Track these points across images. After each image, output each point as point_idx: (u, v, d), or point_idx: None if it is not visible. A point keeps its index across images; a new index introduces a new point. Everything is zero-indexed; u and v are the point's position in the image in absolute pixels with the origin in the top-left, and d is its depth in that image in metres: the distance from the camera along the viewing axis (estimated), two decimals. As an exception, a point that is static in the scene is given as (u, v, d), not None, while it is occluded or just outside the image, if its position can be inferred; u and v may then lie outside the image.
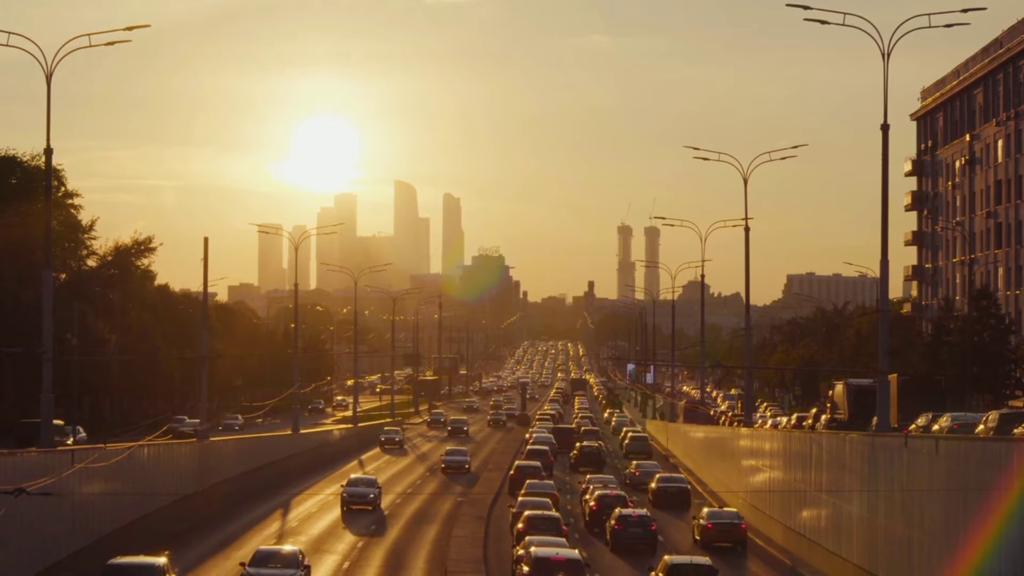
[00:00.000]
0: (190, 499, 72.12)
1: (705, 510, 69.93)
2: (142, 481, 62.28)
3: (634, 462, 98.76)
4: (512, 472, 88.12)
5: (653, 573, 50.74)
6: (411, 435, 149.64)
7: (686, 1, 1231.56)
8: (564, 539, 56.52)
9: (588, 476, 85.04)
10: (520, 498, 70.07)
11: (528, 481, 77.65)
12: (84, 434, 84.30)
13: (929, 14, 56.31)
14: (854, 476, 52.04)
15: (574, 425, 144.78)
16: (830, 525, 55.72)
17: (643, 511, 67.22)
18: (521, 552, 52.52)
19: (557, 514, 63.47)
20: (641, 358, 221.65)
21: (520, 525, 59.97)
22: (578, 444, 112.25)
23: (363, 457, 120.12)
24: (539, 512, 61.91)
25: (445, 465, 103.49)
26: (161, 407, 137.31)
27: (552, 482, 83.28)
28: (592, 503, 71.72)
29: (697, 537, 66.99)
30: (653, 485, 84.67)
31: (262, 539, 66.00)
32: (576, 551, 52.54)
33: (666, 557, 51.47)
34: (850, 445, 53.47)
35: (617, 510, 65.54)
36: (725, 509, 70.96)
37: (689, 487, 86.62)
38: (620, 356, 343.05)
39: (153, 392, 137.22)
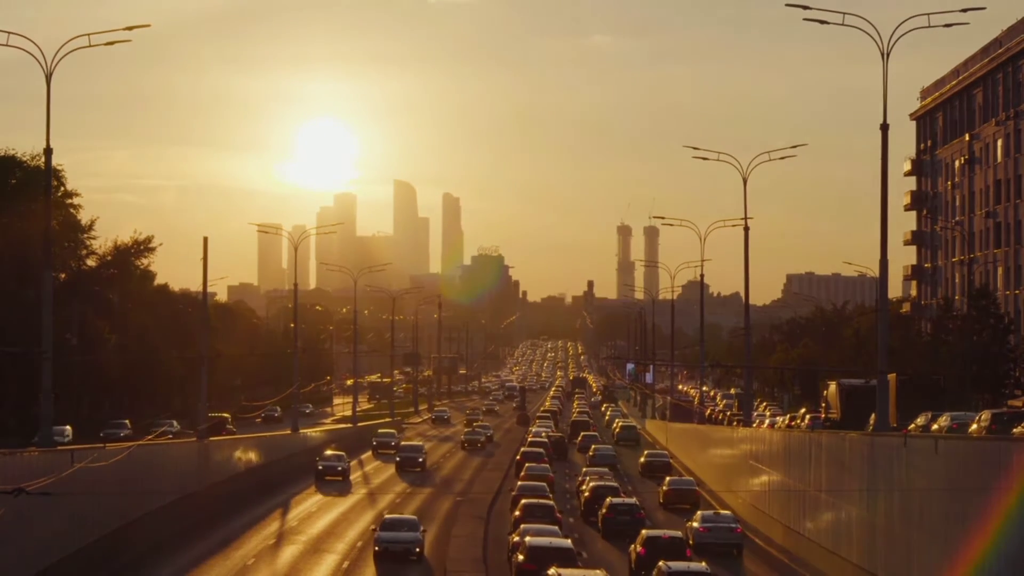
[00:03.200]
0: (190, 499, 72.11)
1: (668, 478, 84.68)
2: (142, 481, 62.26)
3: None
4: (518, 457, 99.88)
5: (633, 545, 56.40)
6: (410, 434, 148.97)
7: (686, 1, 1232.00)
8: (557, 527, 60.19)
9: (584, 469, 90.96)
10: (520, 482, 78.88)
11: (527, 464, 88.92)
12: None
13: (929, 14, 56.48)
14: (853, 476, 52.03)
15: (574, 418, 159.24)
16: (829, 525, 55.72)
17: (632, 500, 72.08)
18: (517, 539, 55.22)
19: (552, 502, 68.11)
20: (640, 358, 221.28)
21: (517, 512, 64.12)
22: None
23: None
24: (535, 500, 67.06)
25: (379, 548, 58.86)
26: (160, 407, 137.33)
27: (548, 465, 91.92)
28: (587, 493, 75.66)
29: (661, 501, 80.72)
30: (643, 460, 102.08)
31: (262, 539, 66.12)
32: (568, 540, 54.87)
33: (643, 531, 57.48)
34: (850, 444, 53.49)
35: (608, 499, 69.99)
36: (683, 478, 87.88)
37: (672, 462, 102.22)
38: (619, 356, 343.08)
39: (153, 392, 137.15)
